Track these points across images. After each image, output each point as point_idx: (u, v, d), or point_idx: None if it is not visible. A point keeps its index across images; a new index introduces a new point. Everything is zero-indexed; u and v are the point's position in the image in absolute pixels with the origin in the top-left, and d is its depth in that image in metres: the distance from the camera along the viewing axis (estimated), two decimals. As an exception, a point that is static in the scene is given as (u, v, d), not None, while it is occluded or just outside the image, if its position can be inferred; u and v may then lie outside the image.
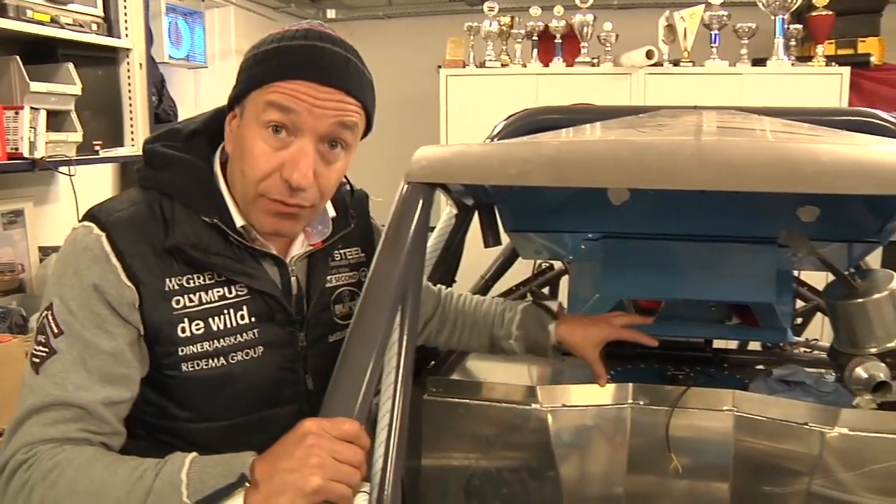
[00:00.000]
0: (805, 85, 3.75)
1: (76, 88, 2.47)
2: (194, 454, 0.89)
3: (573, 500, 1.57)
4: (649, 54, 3.82)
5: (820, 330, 2.50)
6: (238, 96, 1.04)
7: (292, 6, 4.93)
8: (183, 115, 4.02)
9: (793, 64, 3.82)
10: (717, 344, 2.00)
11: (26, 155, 2.25)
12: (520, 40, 4.17)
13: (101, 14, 2.67)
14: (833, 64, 3.80)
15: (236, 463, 0.87)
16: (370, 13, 5.13)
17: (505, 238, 1.80)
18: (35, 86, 2.33)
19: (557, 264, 2.67)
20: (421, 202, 1.07)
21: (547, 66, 4.11)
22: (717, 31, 3.86)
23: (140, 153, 2.96)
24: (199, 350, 1.01)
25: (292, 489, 0.84)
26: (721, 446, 1.54)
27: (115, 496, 0.87)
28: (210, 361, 1.02)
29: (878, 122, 1.55)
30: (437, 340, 1.56)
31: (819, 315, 2.34)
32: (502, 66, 4.15)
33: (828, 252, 1.61)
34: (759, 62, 3.86)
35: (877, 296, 1.49)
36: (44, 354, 0.95)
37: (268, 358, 1.06)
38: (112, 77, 2.79)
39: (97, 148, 2.65)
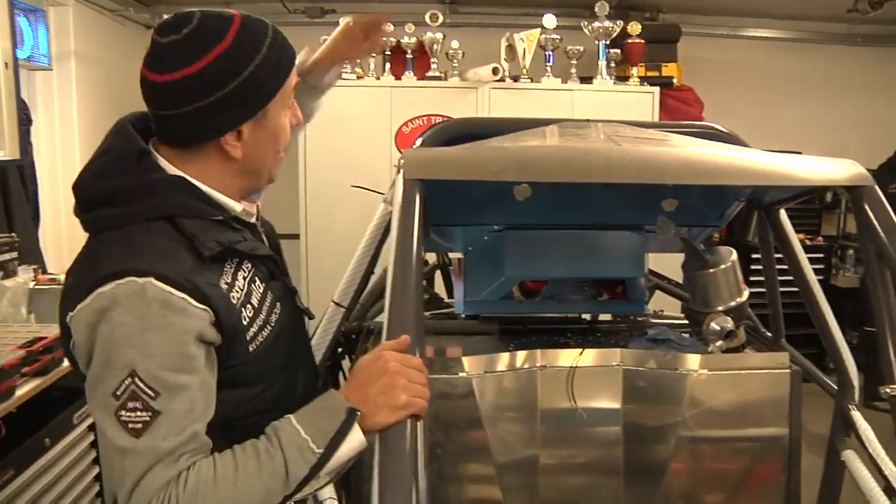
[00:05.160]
0: (624, 101, 4.31)
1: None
2: (289, 416, 1.04)
3: (498, 442, 1.83)
4: (495, 71, 4.17)
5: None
6: (255, 108, 1.12)
7: (131, 10, 4.81)
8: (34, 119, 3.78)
9: (614, 83, 4.37)
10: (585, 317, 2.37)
11: None
12: (373, 55, 4.40)
13: (-35, 11, 2.55)
14: (645, 84, 4.42)
15: (332, 403, 1.05)
16: (210, 20, 5.11)
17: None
18: None
19: (431, 260, 2.97)
20: (418, 194, 1.31)
21: (399, 79, 4.35)
22: (551, 52, 4.32)
23: (9, 158, 2.92)
24: (257, 328, 1.14)
25: (386, 407, 1.04)
26: (613, 393, 1.85)
27: (262, 485, 0.99)
28: (264, 332, 1.16)
29: (717, 132, 2.01)
30: None
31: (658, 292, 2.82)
32: (357, 77, 4.35)
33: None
34: (585, 80, 4.37)
35: (723, 266, 1.93)
36: (147, 419, 0.98)
37: (283, 310, 1.22)
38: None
39: (-35, 152, 2.53)
